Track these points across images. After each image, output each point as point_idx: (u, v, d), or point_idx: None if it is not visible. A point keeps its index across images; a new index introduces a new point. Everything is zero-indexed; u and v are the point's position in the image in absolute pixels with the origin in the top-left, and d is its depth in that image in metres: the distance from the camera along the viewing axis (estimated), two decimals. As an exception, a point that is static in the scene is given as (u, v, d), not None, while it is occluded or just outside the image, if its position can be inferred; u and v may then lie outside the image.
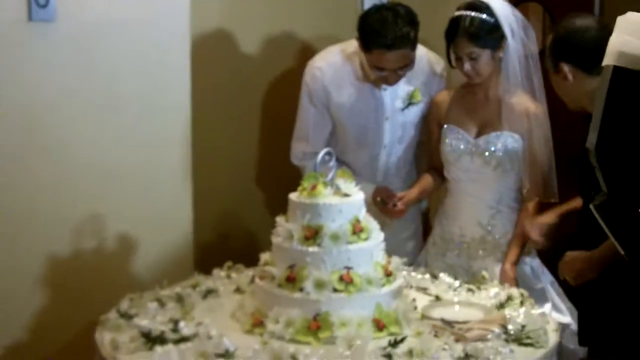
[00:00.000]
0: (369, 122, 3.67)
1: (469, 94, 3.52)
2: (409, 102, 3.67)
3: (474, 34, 3.32)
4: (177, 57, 3.79)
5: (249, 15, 4.11)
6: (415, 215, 3.89)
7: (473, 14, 3.34)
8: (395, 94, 3.66)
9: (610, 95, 2.47)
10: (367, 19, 3.47)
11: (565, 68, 2.84)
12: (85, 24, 3.55)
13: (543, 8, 5.62)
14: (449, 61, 3.46)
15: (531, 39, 3.43)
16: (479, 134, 3.47)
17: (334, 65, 3.66)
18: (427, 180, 3.68)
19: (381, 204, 3.53)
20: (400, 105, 3.67)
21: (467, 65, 3.37)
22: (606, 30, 2.61)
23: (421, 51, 3.62)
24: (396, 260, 2.99)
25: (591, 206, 2.57)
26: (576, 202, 3.20)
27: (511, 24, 3.37)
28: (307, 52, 4.20)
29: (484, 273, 3.26)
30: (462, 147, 3.47)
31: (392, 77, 3.53)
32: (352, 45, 3.64)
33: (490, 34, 3.34)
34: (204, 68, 3.94)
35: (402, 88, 3.65)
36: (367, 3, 4.06)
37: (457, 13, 3.38)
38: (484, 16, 3.33)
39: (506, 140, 3.41)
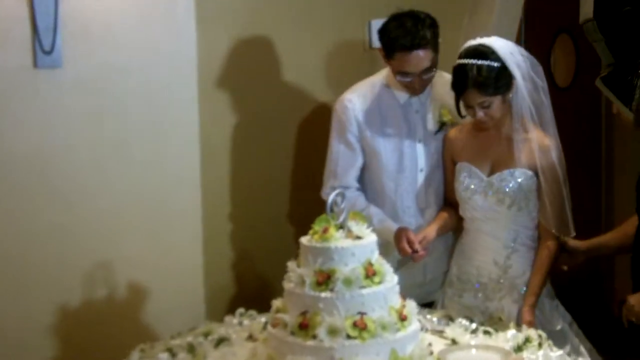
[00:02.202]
0: (403, 146, 3.65)
1: (481, 131, 3.47)
2: (441, 123, 3.64)
3: (484, 84, 3.25)
4: (185, 100, 3.79)
5: (257, 56, 4.08)
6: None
7: (479, 62, 3.26)
8: (425, 116, 3.66)
9: None
10: (388, 26, 3.51)
11: None
12: (92, 69, 3.56)
13: (572, 41, 5.62)
14: (458, 111, 3.42)
15: (539, 74, 3.37)
16: (492, 172, 3.42)
17: (364, 95, 3.68)
18: (444, 216, 3.62)
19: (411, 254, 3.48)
20: (432, 128, 3.66)
21: (480, 113, 3.31)
22: None
23: (446, 76, 3.61)
24: (411, 304, 2.92)
25: (598, 80, 2.66)
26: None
27: (518, 63, 3.29)
28: (317, 92, 4.18)
29: (501, 315, 3.20)
30: (475, 185, 3.42)
31: (417, 82, 3.53)
32: (380, 74, 3.69)
33: (499, 80, 3.27)
34: (212, 111, 3.92)
35: (431, 109, 3.66)
36: (375, 40, 4.00)
37: (462, 62, 3.31)
38: (491, 62, 3.26)
39: (519, 178, 3.36)
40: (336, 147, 3.70)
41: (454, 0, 4.46)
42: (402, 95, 3.64)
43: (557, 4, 5.30)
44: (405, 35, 3.43)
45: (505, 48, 3.32)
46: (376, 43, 3.70)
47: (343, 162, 3.69)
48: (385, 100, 3.67)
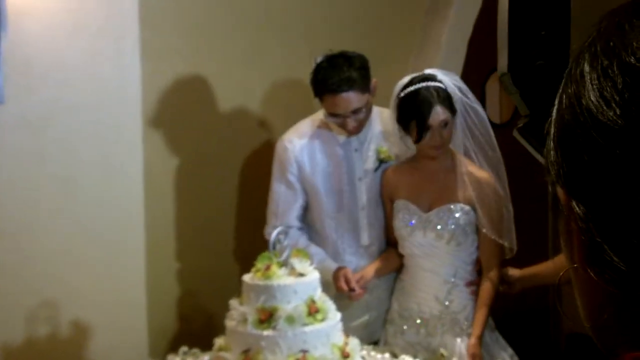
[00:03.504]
0: (343, 184, 3.65)
1: (417, 168, 3.47)
2: (380, 160, 3.64)
3: (446, 99, 3.26)
4: (129, 137, 3.77)
5: (202, 94, 4.08)
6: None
7: (432, 83, 3.27)
8: (365, 155, 3.65)
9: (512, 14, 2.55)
10: (318, 67, 3.48)
11: None
12: (35, 106, 3.54)
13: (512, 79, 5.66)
14: (418, 138, 3.29)
15: (477, 103, 3.40)
16: (430, 208, 3.42)
17: (304, 135, 3.67)
18: (385, 257, 3.62)
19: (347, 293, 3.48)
20: (371, 166, 3.65)
21: (438, 136, 3.28)
22: None
23: (386, 113, 3.61)
24: (354, 341, 2.93)
25: (515, 131, 2.65)
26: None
27: (455, 92, 3.32)
28: (263, 130, 4.18)
29: (442, 351, 3.20)
30: (413, 222, 3.43)
31: (348, 123, 3.50)
32: (320, 113, 3.66)
33: (451, 100, 3.29)
34: (157, 149, 3.91)
35: (371, 148, 3.65)
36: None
37: (414, 87, 3.27)
38: (441, 84, 3.29)
39: (457, 213, 3.37)
40: (277, 188, 3.69)
41: (401, 39, 4.50)
42: (341, 134, 3.63)
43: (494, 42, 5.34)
44: (332, 78, 3.40)
45: (443, 75, 3.35)
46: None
47: (284, 203, 3.69)
48: (324, 139, 3.67)
